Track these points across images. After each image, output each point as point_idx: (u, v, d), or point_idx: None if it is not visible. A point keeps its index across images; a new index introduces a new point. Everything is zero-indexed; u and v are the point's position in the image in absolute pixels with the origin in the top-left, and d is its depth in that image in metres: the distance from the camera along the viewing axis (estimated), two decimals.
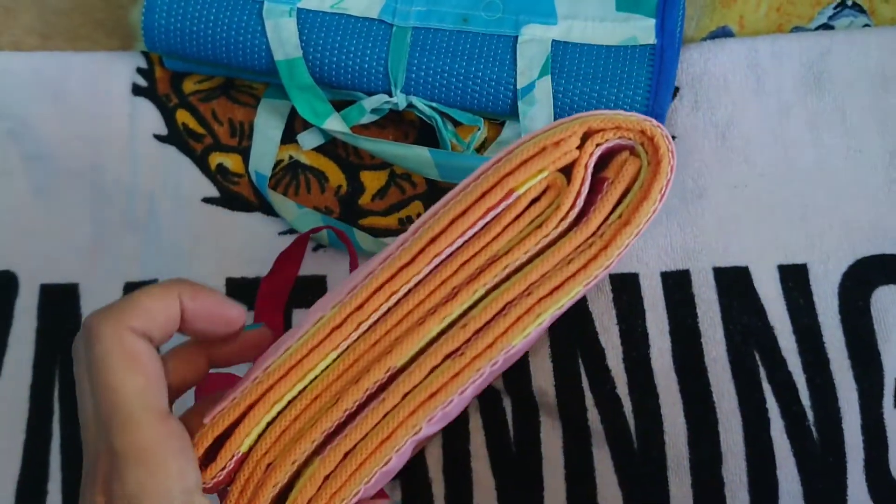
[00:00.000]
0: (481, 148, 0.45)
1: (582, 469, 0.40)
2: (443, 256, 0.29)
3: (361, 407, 0.29)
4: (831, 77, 0.45)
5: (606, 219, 0.29)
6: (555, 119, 0.43)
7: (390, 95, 0.43)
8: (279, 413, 0.28)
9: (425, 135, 0.46)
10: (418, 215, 0.44)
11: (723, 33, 0.47)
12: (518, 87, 0.42)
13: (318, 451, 0.28)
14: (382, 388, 0.28)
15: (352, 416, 0.28)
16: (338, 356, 0.29)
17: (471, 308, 0.29)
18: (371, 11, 0.44)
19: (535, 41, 0.43)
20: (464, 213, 0.29)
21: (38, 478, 0.41)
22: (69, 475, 0.41)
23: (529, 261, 0.29)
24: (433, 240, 0.29)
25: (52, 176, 0.46)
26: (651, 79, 0.42)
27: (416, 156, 0.42)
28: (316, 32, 0.43)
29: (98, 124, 0.47)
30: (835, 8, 0.47)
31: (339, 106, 0.44)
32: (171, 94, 0.47)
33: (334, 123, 0.43)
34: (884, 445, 0.39)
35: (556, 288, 0.28)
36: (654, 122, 0.29)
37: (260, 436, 0.28)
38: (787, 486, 0.39)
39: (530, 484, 0.40)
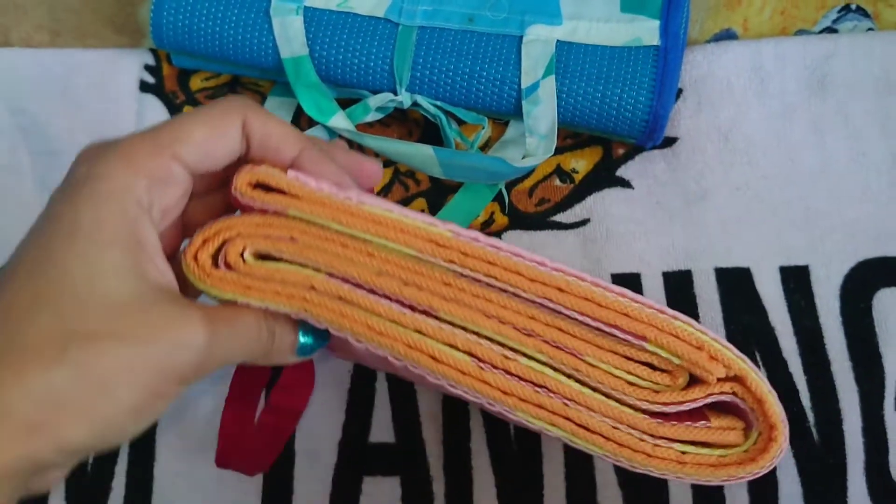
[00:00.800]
0: (485, 147, 0.45)
1: (582, 467, 0.40)
2: (552, 306, 0.28)
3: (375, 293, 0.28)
4: (835, 80, 0.45)
5: (675, 441, 0.28)
6: (559, 118, 0.43)
7: (395, 94, 0.44)
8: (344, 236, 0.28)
9: (429, 133, 0.46)
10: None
11: (727, 36, 0.47)
12: (522, 86, 0.43)
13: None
14: (410, 307, 0.28)
15: (371, 292, 0.28)
16: (413, 254, 0.28)
17: (523, 355, 0.28)
18: (377, 10, 0.44)
19: (539, 41, 0.43)
20: (601, 305, 0.28)
21: None
22: None
23: (592, 387, 0.28)
24: (562, 290, 0.28)
25: (60, 171, 0.45)
26: (655, 80, 0.42)
27: (420, 154, 0.42)
28: (322, 30, 0.44)
29: (106, 120, 0.47)
30: (839, 12, 0.47)
31: (344, 104, 0.45)
32: (178, 91, 0.47)
33: (339, 121, 0.43)
34: (884, 448, 0.39)
35: (583, 427, 0.28)
36: (787, 430, 0.28)
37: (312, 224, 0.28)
38: (787, 487, 0.39)
39: (531, 482, 0.40)
